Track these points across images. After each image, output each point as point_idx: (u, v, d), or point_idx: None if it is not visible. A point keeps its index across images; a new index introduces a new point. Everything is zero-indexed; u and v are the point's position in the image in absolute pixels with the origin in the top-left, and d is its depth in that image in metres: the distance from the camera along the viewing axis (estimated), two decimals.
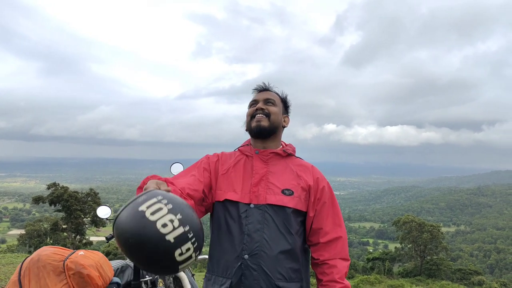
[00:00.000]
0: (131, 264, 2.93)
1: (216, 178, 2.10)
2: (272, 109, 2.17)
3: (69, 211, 42.55)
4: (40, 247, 2.43)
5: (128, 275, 2.84)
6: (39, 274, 2.19)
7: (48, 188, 44.08)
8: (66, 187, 45.03)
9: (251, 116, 2.18)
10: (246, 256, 1.93)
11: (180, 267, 1.49)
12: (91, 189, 47.59)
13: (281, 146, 2.26)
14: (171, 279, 3.49)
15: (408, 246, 51.35)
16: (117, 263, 2.90)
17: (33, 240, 39.66)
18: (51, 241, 39.23)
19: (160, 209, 1.46)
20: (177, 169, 4.06)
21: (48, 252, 2.28)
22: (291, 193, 2.03)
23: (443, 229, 79.66)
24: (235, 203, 2.01)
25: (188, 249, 1.47)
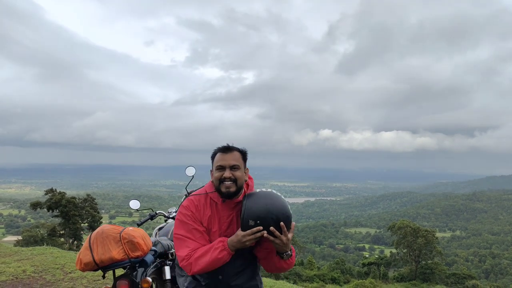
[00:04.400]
0: (161, 240, 3.95)
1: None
2: (238, 174, 2.66)
3: (67, 217, 42.61)
4: None
5: (159, 247, 3.78)
6: (103, 242, 3.13)
7: (46, 194, 44.03)
8: (64, 192, 45.08)
9: (219, 181, 2.67)
10: (220, 277, 2.67)
11: None
12: (88, 195, 47.66)
13: (243, 191, 2.77)
14: None
15: (403, 251, 51.58)
16: (152, 238, 3.91)
17: (29, 246, 39.59)
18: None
19: None
20: (190, 172, 4.61)
21: (108, 227, 3.26)
22: None
23: (439, 235, 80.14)
24: None
25: None
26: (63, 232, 42.85)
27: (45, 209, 44.01)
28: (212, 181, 2.79)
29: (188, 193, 5.02)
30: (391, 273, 51.45)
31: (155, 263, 3.71)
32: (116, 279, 3.24)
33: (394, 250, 55.49)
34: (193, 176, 4.70)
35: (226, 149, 2.71)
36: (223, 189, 2.63)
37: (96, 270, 3.16)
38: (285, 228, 2.45)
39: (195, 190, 5.01)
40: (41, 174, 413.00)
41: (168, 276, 3.79)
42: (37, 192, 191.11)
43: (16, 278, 5.32)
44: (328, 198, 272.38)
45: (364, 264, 51.64)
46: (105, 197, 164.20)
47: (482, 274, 77.60)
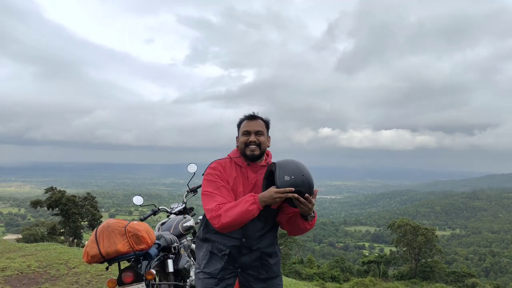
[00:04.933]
0: (164, 234, 4.06)
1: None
2: (262, 139, 2.91)
3: (67, 215, 42.63)
4: None
5: (163, 241, 3.87)
6: (109, 235, 3.24)
7: (46, 192, 44.03)
8: (64, 191, 45.12)
9: (245, 145, 2.91)
10: (243, 240, 2.84)
11: None
12: (88, 193, 47.73)
13: (264, 158, 3.03)
14: (189, 250, 4.64)
15: (403, 249, 51.69)
16: (155, 233, 3.92)
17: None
18: None
19: None
20: (192, 168, 4.92)
21: (113, 221, 3.37)
22: None
23: (439, 233, 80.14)
24: None
25: None
26: (63, 230, 42.87)
27: (45, 208, 44.04)
28: (237, 147, 3.03)
29: (190, 189, 5.17)
30: (391, 271, 51.56)
31: (159, 256, 3.83)
32: (121, 271, 3.35)
33: (394, 249, 55.60)
34: (194, 172, 4.87)
35: (252, 117, 2.96)
36: (248, 152, 2.89)
37: (102, 262, 3.29)
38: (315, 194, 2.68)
39: (198, 186, 5.19)
40: (40, 172, 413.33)
41: (171, 269, 3.91)
42: (36, 191, 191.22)
43: (21, 272, 5.41)
44: (328, 197, 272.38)
45: (364, 263, 51.73)
46: (104, 195, 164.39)
47: (482, 272, 77.77)
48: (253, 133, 2.89)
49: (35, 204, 43.76)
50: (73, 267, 5.84)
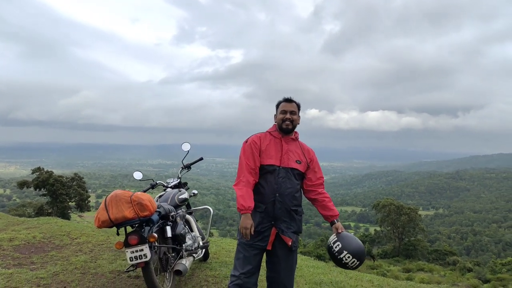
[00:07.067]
0: (162, 205, 4.55)
1: (260, 152, 3.66)
2: (294, 117, 3.74)
3: (55, 196, 42.59)
4: None
5: (162, 210, 4.39)
6: (117, 203, 3.81)
7: (33, 173, 43.79)
8: (51, 171, 44.88)
9: (282, 120, 3.69)
10: (277, 195, 3.56)
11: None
12: (75, 174, 47.59)
13: (294, 133, 3.83)
14: (184, 219, 5.14)
15: (387, 228, 52.54)
16: (157, 203, 4.48)
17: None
18: None
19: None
20: (186, 147, 5.56)
21: (120, 191, 3.94)
22: (300, 162, 3.70)
23: (422, 213, 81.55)
24: (272, 165, 3.62)
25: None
26: (50, 211, 42.63)
27: (32, 188, 43.90)
28: (275, 123, 3.81)
29: (184, 165, 5.62)
30: (375, 250, 52.47)
31: (158, 223, 4.32)
32: (127, 234, 3.90)
33: (378, 228, 56.57)
34: (188, 151, 5.41)
35: (289, 100, 3.78)
36: (283, 126, 3.68)
37: (111, 227, 3.91)
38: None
39: (191, 162, 5.66)
40: (26, 153, 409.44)
41: (169, 234, 4.45)
42: (22, 171, 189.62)
43: (28, 242, 5.80)
44: None
45: None
46: (91, 176, 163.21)
47: (464, 250, 79.50)
48: (289, 112, 3.69)
49: (22, 184, 43.60)
50: (75, 238, 6.24)
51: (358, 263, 3.70)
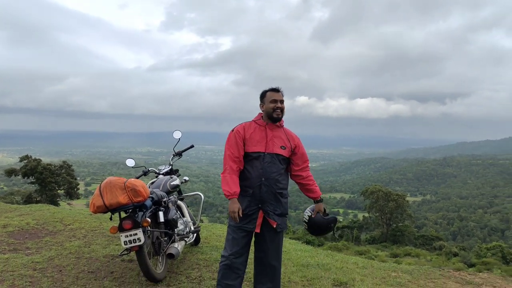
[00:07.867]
0: (155, 191, 4.72)
1: (245, 141, 3.83)
2: (283, 106, 3.90)
3: (44, 184, 42.51)
4: None
5: (155, 196, 4.57)
6: (111, 189, 3.95)
7: (21, 161, 43.60)
8: (39, 159, 44.67)
9: (273, 109, 3.84)
10: (263, 179, 3.74)
11: None
12: (64, 162, 47.44)
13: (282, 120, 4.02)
14: (176, 205, 5.28)
15: (375, 214, 53.24)
16: (149, 189, 4.58)
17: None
18: None
19: None
20: (177, 135, 5.71)
21: (114, 178, 4.07)
22: (284, 148, 3.86)
23: (410, 199, 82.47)
24: (258, 152, 3.79)
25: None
26: (39, 199, 42.51)
27: (20, 176, 43.77)
28: (261, 112, 3.97)
29: (175, 153, 5.76)
30: (363, 236, 53.19)
31: (151, 209, 4.46)
32: (121, 219, 4.02)
33: (366, 214, 57.26)
34: (179, 139, 5.55)
35: (277, 90, 3.93)
36: (274, 115, 3.83)
37: (105, 212, 4.05)
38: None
39: (182, 150, 5.80)
40: (12, 141, 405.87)
41: (162, 219, 4.60)
42: (9, 159, 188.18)
43: (22, 229, 5.90)
44: None
45: (338, 228, 53.24)
46: (80, 164, 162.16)
47: (450, 236, 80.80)
48: (279, 101, 3.86)
49: (10, 173, 43.41)
50: (68, 224, 6.36)
51: (306, 226, 4.12)
